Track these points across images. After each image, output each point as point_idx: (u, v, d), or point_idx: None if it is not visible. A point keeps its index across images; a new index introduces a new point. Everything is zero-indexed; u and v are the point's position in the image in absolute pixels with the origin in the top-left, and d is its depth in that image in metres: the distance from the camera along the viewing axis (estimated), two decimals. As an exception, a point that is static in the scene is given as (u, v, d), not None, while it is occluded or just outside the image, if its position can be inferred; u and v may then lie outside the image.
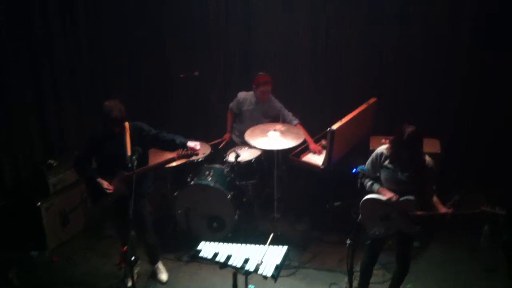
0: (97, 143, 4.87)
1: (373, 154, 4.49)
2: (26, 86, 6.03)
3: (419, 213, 4.28)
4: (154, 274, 5.39)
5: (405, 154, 4.19)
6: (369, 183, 4.51)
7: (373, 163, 4.48)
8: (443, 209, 4.21)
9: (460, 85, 6.38)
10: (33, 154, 6.16)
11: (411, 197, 4.29)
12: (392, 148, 4.31)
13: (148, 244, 5.22)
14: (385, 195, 4.37)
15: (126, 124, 4.83)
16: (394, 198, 4.31)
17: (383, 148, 4.43)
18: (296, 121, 6.17)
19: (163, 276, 5.37)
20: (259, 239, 4.28)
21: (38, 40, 6.02)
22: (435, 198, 4.31)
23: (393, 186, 4.38)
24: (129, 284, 5.01)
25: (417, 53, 6.41)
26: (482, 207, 4.09)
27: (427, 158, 4.26)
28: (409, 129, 4.13)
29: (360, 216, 4.54)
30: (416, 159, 4.23)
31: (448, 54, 6.30)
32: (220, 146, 6.41)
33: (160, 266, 5.42)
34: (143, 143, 4.82)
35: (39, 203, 5.71)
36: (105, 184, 4.85)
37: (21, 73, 5.93)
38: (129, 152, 4.74)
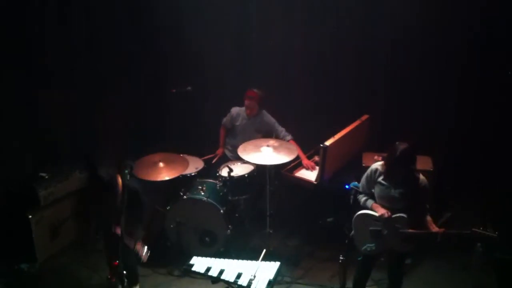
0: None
1: (368, 170, 4.51)
2: (18, 96, 6.03)
3: (410, 231, 4.29)
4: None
5: (398, 170, 4.22)
6: (363, 198, 4.53)
7: (368, 179, 4.50)
8: (434, 229, 4.22)
9: (453, 104, 6.45)
10: (24, 166, 6.12)
11: (403, 215, 4.30)
12: (386, 164, 4.33)
13: (126, 265, 5.04)
14: (378, 212, 4.38)
15: (119, 181, 4.74)
16: (387, 215, 4.32)
17: (378, 164, 4.45)
18: (289, 137, 6.19)
19: None
20: (251, 254, 4.28)
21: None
22: (428, 218, 4.31)
23: (386, 202, 4.39)
24: None
25: (410, 71, 6.48)
26: (474, 229, 4.09)
27: (421, 176, 4.28)
28: (402, 146, 4.17)
29: (352, 232, 4.55)
30: (409, 176, 4.25)
31: (441, 72, 6.37)
32: (213, 162, 6.41)
33: None
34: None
35: (30, 216, 5.66)
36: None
37: (13, 82, 5.93)
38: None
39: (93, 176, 4.64)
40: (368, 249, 4.51)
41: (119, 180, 4.70)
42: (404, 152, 4.16)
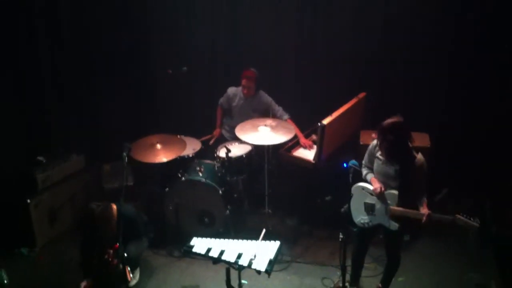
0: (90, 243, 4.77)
1: (370, 144, 4.53)
2: (11, 85, 6.01)
3: (397, 208, 4.30)
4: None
5: (385, 142, 4.20)
6: (365, 172, 4.56)
7: (369, 153, 4.54)
8: (423, 210, 4.20)
9: (447, 80, 6.42)
10: (21, 150, 6.13)
11: (394, 191, 4.31)
12: (377, 136, 4.33)
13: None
14: (373, 185, 4.40)
15: (114, 211, 4.65)
16: (379, 190, 4.34)
17: None
18: (286, 116, 6.17)
19: (133, 280, 5.14)
20: (250, 234, 4.30)
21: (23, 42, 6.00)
22: (424, 199, 4.26)
23: (382, 178, 4.41)
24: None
25: (403, 61, 6.47)
26: (457, 215, 4.09)
27: (419, 155, 4.26)
28: (393, 118, 4.17)
29: (345, 206, 4.56)
30: (399, 151, 4.22)
31: (437, 50, 6.34)
32: (211, 143, 6.38)
33: (137, 272, 5.26)
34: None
35: (28, 200, 5.65)
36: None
37: (5, 73, 5.90)
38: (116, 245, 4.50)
39: (87, 208, 4.58)
40: (362, 221, 4.55)
41: (114, 209, 4.65)
42: (392, 122, 4.16)
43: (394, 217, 4.34)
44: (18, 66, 6.08)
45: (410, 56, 6.43)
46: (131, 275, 4.77)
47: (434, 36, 6.30)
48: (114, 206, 4.63)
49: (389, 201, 4.33)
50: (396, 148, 4.22)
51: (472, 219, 4.06)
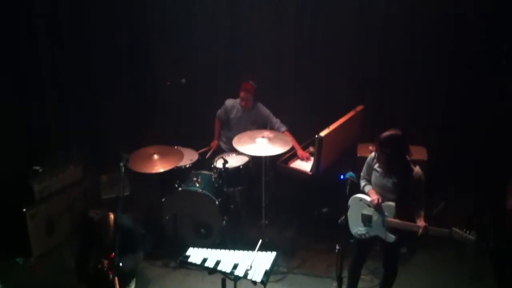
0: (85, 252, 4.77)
1: (369, 157, 4.54)
2: (11, 86, 6.04)
3: (393, 220, 4.30)
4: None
5: (382, 154, 4.22)
6: (363, 183, 4.57)
7: (367, 165, 4.55)
8: (419, 222, 4.19)
9: (444, 95, 6.46)
10: (17, 160, 6.12)
11: (391, 203, 4.32)
12: (375, 148, 4.35)
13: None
14: (370, 197, 4.41)
15: (111, 218, 4.65)
16: (376, 201, 4.34)
17: None
18: (284, 128, 6.19)
19: None
20: (247, 246, 4.28)
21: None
22: (421, 212, 4.25)
23: (379, 190, 4.41)
24: None
25: (404, 62, 6.49)
26: (454, 228, 4.09)
27: (416, 168, 4.26)
28: (390, 130, 4.19)
29: (343, 217, 4.55)
30: (396, 163, 4.24)
31: (434, 63, 6.38)
32: (208, 156, 6.38)
33: (133, 283, 5.17)
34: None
35: (24, 210, 5.64)
36: None
37: (5, 73, 5.94)
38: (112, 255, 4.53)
39: (86, 216, 4.58)
40: (359, 232, 4.55)
41: (112, 218, 4.64)
42: (389, 134, 4.18)
43: (391, 229, 4.34)
44: (18, 66, 6.11)
45: (410, 57, 6.46)
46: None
47: (434, 36, 6.32)
48: (112, 216, 4.62)
49: (386, 213, 4.33)
50: (393, 161, 4.23)
51: (468, 232, 4.06)
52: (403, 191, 4.27)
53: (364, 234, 4.51)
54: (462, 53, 6.27)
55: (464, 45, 6.24)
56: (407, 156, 4.26)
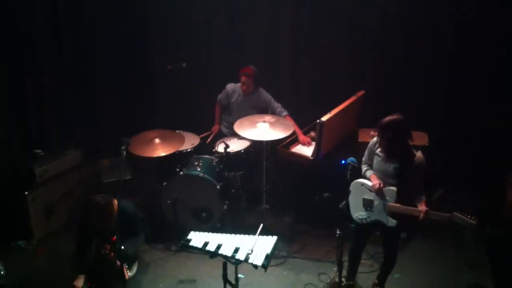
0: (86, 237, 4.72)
1: (370, 141, 4.54)
2: (10, 78, 6.04)
3: (395, 205, 4.31)
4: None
5: (383, 139, 4.22)
6: (365, 168, 4.57)
7: (369, 150, 4.55)
8: (421, 207, 4.20)
9: (447, 79, 6.45)
10: (17, 143, 6.17)
11: (393, 188, 4.32)
12: (377, 133, 4.35)
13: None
14: (372, 182, 4.42)
15: (115, 204, 4.60)
16: (377, 186, 4.35)
17: None
18: (285, 113, 6.18)
19: (129, 273, 5.04)
20: (248, 230, 4.30)
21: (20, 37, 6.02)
22: (422, 197, 4.27)
23: (381, 175, 4.42)
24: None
25: (405, 46, 6.48)
26: (455, 213, 4.09)
27: (418, 154, 4.26)
28: (392, 115, 4.19)
29: (344, 202, 4.56)
30: (397, 148, 4.24)
31: (436, 47, 6.37)
32: (209, 140, 6.38)
33: (135, 266, 5.22)
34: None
35: (26, 193, 5.65)
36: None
37: (4, 67, 5.93)
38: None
39: (91, 200, 4.56)
40: (360, 217, 4.56)
41: (115, 203, 4.63)
42: (391, 119, 4.19)
43: (392, 213, 4.35)
44: (17, 60, 6.09)
45: (409, 55, 6.46)
46: (128, 273, 4.80)
47: (434, 35, 6.32)
48: (115, 201, 4.64)
49: (387, 198, 4.34)
50: (394, 146, 4.23)
51: (469, 216, 4.07)
52: (405, 176, 4.27)
53: (365, 219, 4.53)
54: (464, 37, 6.26)
55: (466, 29, 6.23)
56: (408, 141, 4.26)
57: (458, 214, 4.08)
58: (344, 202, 4.56)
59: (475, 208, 5.79)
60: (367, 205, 4.49)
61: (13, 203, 5.70)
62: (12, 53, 6.01)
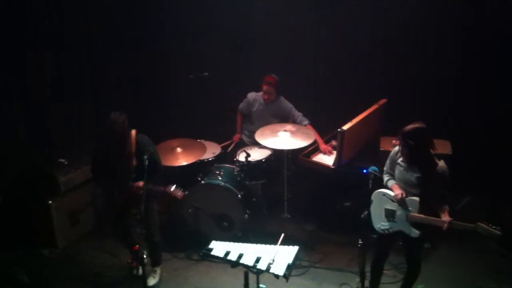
0: (102, 155, 4.80)
1: (392, 151, 4.52)
2: (35, 86, 6.11)
3: (418, 215, 4.26)
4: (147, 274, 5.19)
5: (405, 147, 4.19)
6: (386, 178, 4.54)
7: (390, 159, 4.52)
8: (444, 217, 4.14)
9: (471, 87, 6.38)
10: (42, 152, 6.25)
11: (416, 198, 4.28)
12: (398, 141, 4.32)
13: (154, 242, 5.14)
14: (394, 191, 4.38)
15: (133, 133, 4.75)
16: (399, 196, 4.31)
17: None
18: (306, 122, 6.17)
19: (153, 280, 5.22)
20: (269, 239, 4.28)
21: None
22: (445, 206, 4.21)
23: (403, 185, 4.37)
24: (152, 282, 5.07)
25: (428, 55, 6.43)
26: (479, 223, 4.03)
27: (441, 163, 4.21)
28: (414, 123, 4.16)
29: (365, 212, 4.53)
30: (419, 156, 4.20)
31: (461, 56, 6.32)
32: (230, 149, 6.41)
33: (158, 271, 5.31)
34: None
35: (50, 202, 5.73)
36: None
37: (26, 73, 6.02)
38: (134, 163, 4.67)
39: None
40: (382, 227, 4.52)
41: (133, 135, 4.71)
42: (413, 127, 4.16)
43: (415, 224, 4.31)
44: (44, 74, 6.20)
45: (431, 62, 6.41)
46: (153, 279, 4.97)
47: (457, 42, 6.26)
48: (134, 133, 4.74)
49: (410, 208, 4.30)
50: (416, 154, 4.20)
51: (494, 227, 4.01)
52: (427, 186, 4.23)
53: (388, 229, 4.49)
54: (490, 43, 6.20)
55: (493, 35, 6.16)
56: (430, 150, 4.22)
57: (483, 225, 4.02)
58: (366, 212, 4.52)
59: (500, 217, 5.69)
60: (389, 215, 4.45)
61: (38, 211, 5.78)
62: (39, 67, 6.13)
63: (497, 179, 6.31)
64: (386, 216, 4.48)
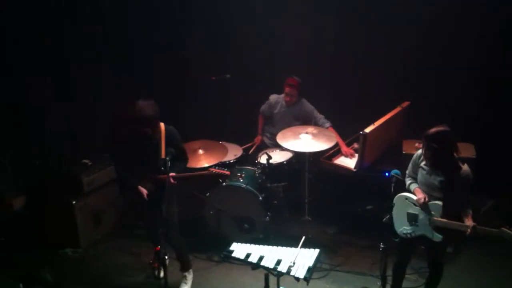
0: (124, 146, 4.81)
1: (415, 154, 4.48)
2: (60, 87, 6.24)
3: (441, 219, 4.21)
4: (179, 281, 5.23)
5: (429, 150, 4.15)
6: (409, 181, 4.50)
7: (413, 163, 4.48)
8: (468, 222, 4.09)
9: (496, 90, 6.29)
10: (66, 153, 6.35)
11: (439, 202, 4.23)
12: (422, 145, 4.28)
13: (174, 244, 5.06)
14: (416, 195, 4.34)
15: (161, 125, 4.78)
16: (422, 200, 4.27)
17: None
18: (328, 124, 6.16)
19: (185, 286, 5.17)
20: (290, 241, 4.29)
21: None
22: (469, 211, 4.16)
23: (426, 189, 4.33)
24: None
25: (451, 57, 6.36)
26: (503, 228, 3.97)
27: (465, 167, 4.17)
28: (438, 126, 4.11)
29: (387, 216, 4.49)
30: (443, 160, 4.16)
31: (486, 59, 6.24)
32: (251, 151, 6.42)
33: (189, 277, 5.21)
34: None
35: (73, 202, 5.81)
36: (144, 193, 4.75)
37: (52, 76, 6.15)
38: (162, 155, 4.69)
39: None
40: (404, 231, 4.48)
41: (162, 126, 4.74)
42: (436, 130, 4.11)
43: (438, 228, 4.26)
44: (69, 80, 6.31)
45: (455, 64, 6.34)
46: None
47: (484, 40, 6.18)
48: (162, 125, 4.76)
49: (433, 212, 4.25)
50: (440, 157, 4.16)
51: None
52: (450, 189, 4.18)
53: (410, 233, 4.44)
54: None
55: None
56: (454, 154, 4.18)
57: (506, 230, 3.96)
58: (388, 216, 4.49)
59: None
60: (412, 219, 4.40)
61: (61, 212, 5.87)
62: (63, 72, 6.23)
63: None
64: (408, 220, 4.44)
